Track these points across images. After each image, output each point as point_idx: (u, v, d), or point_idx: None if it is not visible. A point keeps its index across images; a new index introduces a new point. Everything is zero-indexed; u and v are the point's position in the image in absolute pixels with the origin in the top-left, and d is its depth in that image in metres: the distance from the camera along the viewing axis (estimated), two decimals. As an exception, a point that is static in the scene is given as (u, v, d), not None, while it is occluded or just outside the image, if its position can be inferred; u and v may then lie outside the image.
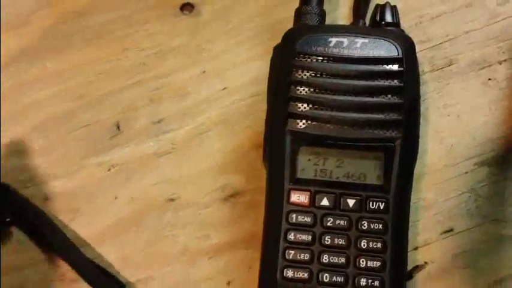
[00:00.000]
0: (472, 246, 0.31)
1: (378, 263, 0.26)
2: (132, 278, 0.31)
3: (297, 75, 0.28)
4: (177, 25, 0.35)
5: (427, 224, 0.31)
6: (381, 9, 0.31)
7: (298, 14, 0.31)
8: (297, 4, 0.32)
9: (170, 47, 0.35)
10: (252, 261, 0.31)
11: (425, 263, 0.31)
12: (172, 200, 0.33)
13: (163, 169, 0.33)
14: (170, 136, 0.34)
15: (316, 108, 0.28)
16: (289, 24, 0.32)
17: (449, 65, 0.34)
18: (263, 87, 0.32)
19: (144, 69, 0.35)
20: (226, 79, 0.34)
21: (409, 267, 0.31)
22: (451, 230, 0.31)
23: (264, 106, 0.31)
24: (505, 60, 0.34)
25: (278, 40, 0.31)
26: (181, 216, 0.32)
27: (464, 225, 0.31)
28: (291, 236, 0.27)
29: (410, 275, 0.31)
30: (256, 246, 0.30)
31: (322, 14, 0.31)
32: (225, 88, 0.34)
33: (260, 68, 0.34)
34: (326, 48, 0.28)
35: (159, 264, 0.32)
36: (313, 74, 0.28)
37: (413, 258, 0.31)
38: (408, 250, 0.30)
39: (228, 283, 0.31)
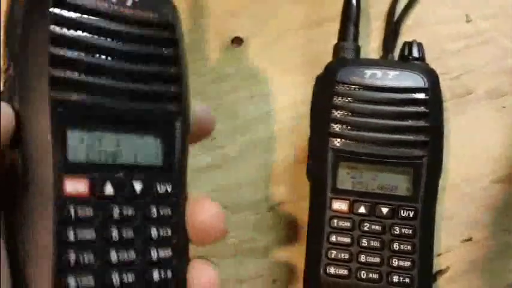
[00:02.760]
0: (488, 253, 0.35)
1: (408, 263, 0.31)
2: (190, 274, 0.36)
3: (337, 101, 0.33)
4: (228, 55, 0.41)
5: (449, 233, 0.36)
6: (409, 45, 0.35)
7: (337, 48, 0.36)
8: (331, 40, 0.37)
9: (223, 74, 0.40)
10: (294, 263, 0.36)
11: (448, 267, 0.35)
12: (225, 207, 0.37)
13: (217, 180, 0.38)
14: (222, 151, 0.39)
15: (354, 129, 0.32)
16: (326, 57, 0.37)
17: (467, 94, 0.38)
18: (303, 110, 0.38)
19: (200, 92, 0.40)
20: (272, 102, 0.39)
21: (433, 271, 0.35)
22: (470, 238, 0.36)
23: (304, 126, 0.36)
24: (517, 90, 0.38)
25: (317, 70, 0.36)
26: (232, 221, 0.37)
27: (481, 234, 0.36)
28: (333, 238, 0.31)
29: (434, 278, 0.35)
30: (298, 250, 0.35)
31: (358, 49, 0.36)
32: (270, 110, 0.39)
33: (301, 93, 0.39)
34: (362, 79, 0.33)
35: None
36: (351, 100, 0.33)
37: (437, 263, 0.35)
38: (432, 255, 0.34)
39: (274, 281, 0.36)
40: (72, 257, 0.20)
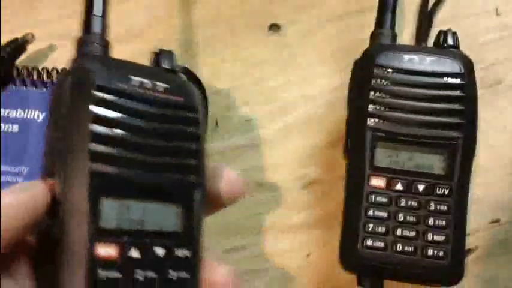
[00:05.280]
0: (515, 235, 0.37)
1: (443, 237, 0.32)
2: (228, 246, 0.37)
3: (375, 83, 0.34)
4: (266, 41, 0.42)
5: (477, 215, 0.37)
6: (444, 33, 0.37)
7: (374, 35, 0.38)
8: (366, 30, 0.39)
9: (260, 59, 0.42)
10: (327, 239, 0.37)
11: (476, 247, 0.37)
12: (260, 184, 0.39)
13: (253, 159, 0.39)
14: (259, 132, 0.40)
15: (391, 111, 0.34)
16: (361, 46, 0.38)
17: (497, 84, 0.40)
18: (338, 95, 0.39)
19: (239, 76, 0.41)
20: (308, 88, 0.41)
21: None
22: (498, 220, 0.37)
23: (338, 111, 0.38)
24: (545, 81, 0.40)
25: (352, 58, 0.38)
26: (268, 198, 0.38)
27: (509, 216, 0.37)
28: (370, 213, 0.33)
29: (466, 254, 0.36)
30: (331, 226, 0.36)
31: (394, 36, 0.37)
32: (306, 95, 0.41)
33: (336, 80, 0.41)
34: (401, 63, 0.35)
35: (250, 236, 0.38)
36: (389, 83, 0.34)
37: (465, 243, 0.36)
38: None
39: (308, 255, 0.37)
40: None
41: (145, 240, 0.23)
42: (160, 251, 0.24)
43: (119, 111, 0.23)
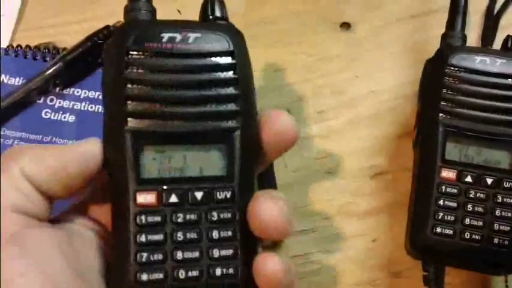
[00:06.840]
0: None
1: (508, 228, 0.34)
2: (297, 228, 0.40)
3: (448, 81, 0.37)
4: (336, 38, 0.45)
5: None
6: (511, 38, 0.39)
7: (445, 36, 0.40)
8: (434, 30, 0.41)
9: (331, 55, 0.44)
10: (392, 225, 0.40)
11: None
12: (330, 172, 0.41)
13: (323, 148, 0.42)
14: (328, 123, 0.43)
15: (462, 108, 0.36)
16: (428, 46, 0.41)
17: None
18: (405, 91, 0.42)
19: (310, 70, 0.44)
20: (376, 83, 0.43)
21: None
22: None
23: (405, 106, 0.40)
24: None
25: (419, 56, 0.40)
26: (336, 186, 0.41)
27: None
28: (441, 202, 0.35)
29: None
30: (396, 213, 0.39)
31: (464, 38, 0.40)
32: (373, 90, 0.43)
33: (403, 77, 0.43)
34: (472, 64, 0.37)
35: (319, 220, 0.40)
36: (461, 83, 0.36)
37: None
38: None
39: (374, 240, 0.40)
40: (144, 256, 0.24)
41: (185, 186, 0.25)
42: (199, 195, 0.25)
43: (149, 70, 0.25)
